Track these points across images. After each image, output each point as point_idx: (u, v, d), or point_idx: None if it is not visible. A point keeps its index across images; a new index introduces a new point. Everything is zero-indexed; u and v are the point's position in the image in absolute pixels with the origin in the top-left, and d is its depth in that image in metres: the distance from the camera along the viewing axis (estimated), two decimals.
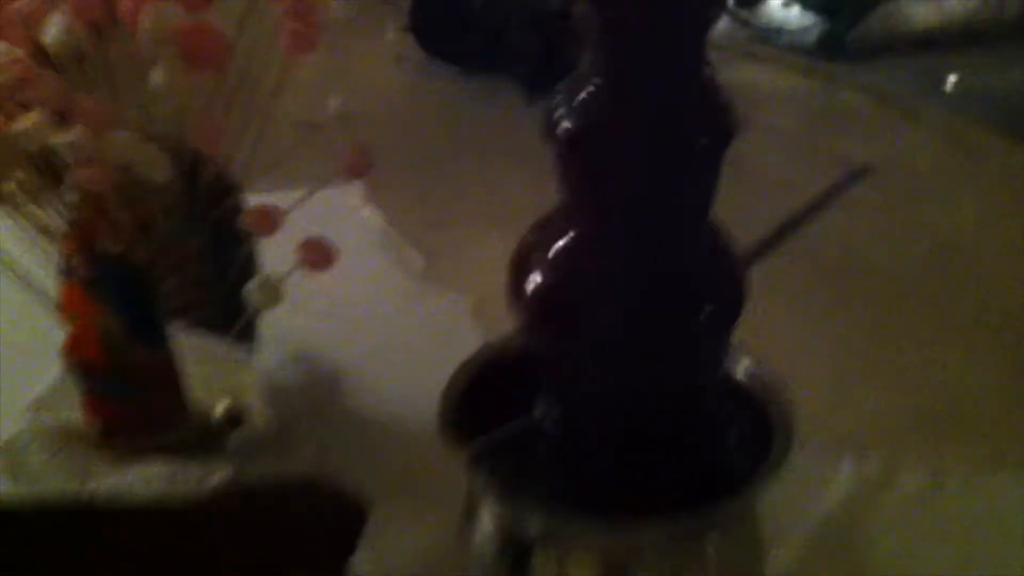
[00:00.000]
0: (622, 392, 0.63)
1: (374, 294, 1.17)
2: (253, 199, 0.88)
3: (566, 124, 0.56)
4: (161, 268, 0.84)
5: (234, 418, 0.79)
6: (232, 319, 0.79)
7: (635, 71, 0.55)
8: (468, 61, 1.92)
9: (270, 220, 0.77)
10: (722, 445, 0.70)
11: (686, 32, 0.55)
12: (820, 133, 1.74)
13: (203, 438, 0.86)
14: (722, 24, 2.05)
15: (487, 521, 0.68)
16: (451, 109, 1.85)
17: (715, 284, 0.62)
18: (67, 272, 0.87)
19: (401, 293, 1.17)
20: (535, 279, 0.61)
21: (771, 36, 2.08)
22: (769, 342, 0.73)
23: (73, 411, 0.94)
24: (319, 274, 0.84)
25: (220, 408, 0.79)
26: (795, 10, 2.11)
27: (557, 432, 0.67)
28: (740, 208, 0.64)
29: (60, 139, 0.72)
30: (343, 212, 1.34)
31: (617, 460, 0.67)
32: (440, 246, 1.28)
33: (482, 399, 0.68)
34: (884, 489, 0.91)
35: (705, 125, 0.57)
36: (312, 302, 1.14)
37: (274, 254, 0.88)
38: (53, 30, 0.71)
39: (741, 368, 0.72)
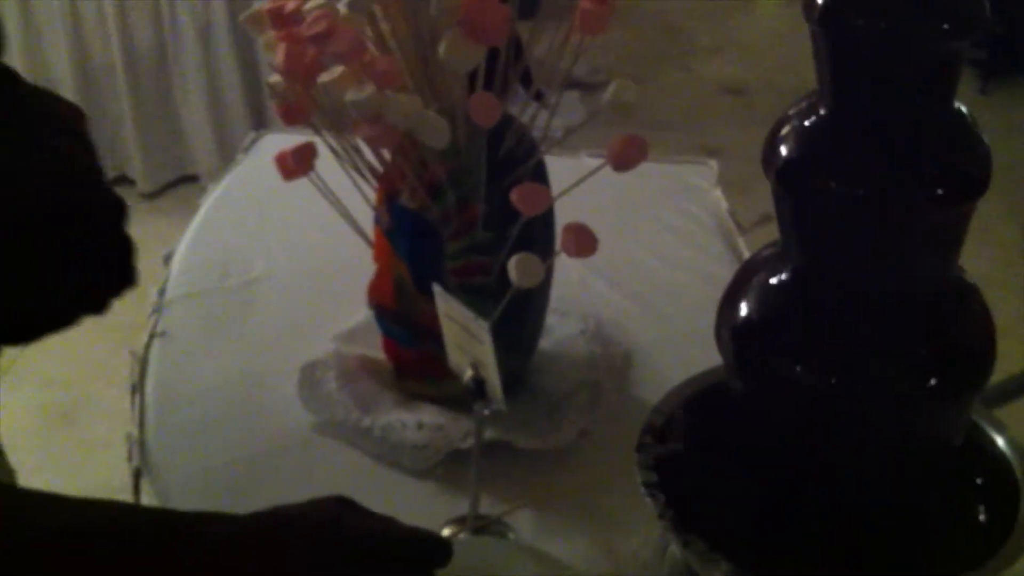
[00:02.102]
0: (830, 452, 0.57)
1: (689, 280, 1.13)
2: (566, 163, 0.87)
3: (784, 152, 0.51)
4: (450, 229, 0.86)
5: (479, 386, 0.80)
6: (504, 291, 0.80)
7: (865, 104, 0.49)
8: None
9: (536, 198, 0.76)
10: (950, 525, 0.61)
11: (928, 64, 0.47)
12: None
13: (459, 398, 0.88)
14: None
15: (678, 560, 0.65)
16: None
17: (952, 348, 0.54)
18: (376, 220, 0.92)
19: (718, 285, 1.12)
20: (741, 315, 0.56)
21: None
22: None
23: (372, 349, 1.00)
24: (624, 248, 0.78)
25: (468, 374, 0.80)
26: None
27: (759, 483, 0.62)
28: None
29: (353, 96, 0.75)
30: (691, 190, 1.30)
31: (821, 524, 0.61)
32: None
33: (683, 436, 0.64)
34: None
35: (944, 175, 0.49)
36: (624, 278, 1.13)
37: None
38: None
39: (988, 438, 0.63)
